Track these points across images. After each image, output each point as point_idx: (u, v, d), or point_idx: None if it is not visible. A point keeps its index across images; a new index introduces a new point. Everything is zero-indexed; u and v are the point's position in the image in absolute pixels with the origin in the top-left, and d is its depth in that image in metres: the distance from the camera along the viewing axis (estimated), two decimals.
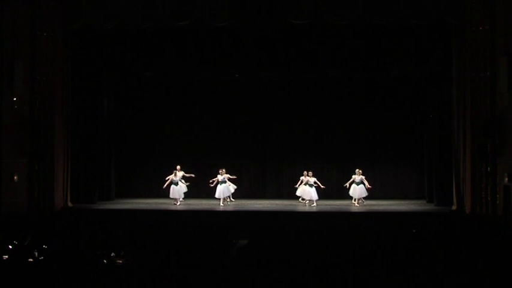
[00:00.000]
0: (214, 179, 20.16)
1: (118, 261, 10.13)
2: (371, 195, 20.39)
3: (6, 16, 17.20)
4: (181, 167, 20.39)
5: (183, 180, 20.27)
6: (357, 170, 20.01)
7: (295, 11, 18.16)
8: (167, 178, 20.05)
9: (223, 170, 20.18)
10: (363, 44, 19.76)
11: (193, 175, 20.46)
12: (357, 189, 19.88)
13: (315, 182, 19.79)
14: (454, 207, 18.78)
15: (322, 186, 19.88)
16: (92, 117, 20.88)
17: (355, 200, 19.96)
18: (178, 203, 20.12)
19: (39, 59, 18.37)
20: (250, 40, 19.87)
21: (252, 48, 19.98)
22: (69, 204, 19.63)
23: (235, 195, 20.88)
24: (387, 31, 19.32)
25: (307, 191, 19.85)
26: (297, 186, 20.07)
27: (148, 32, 19.77)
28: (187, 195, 20.67)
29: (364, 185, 19.83)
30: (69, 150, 19.83)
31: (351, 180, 19.92)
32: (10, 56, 17.30)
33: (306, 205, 19.88)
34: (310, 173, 20.01)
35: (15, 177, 17.46)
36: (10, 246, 10.53)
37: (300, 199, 20.23)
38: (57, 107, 19.02)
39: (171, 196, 20.11)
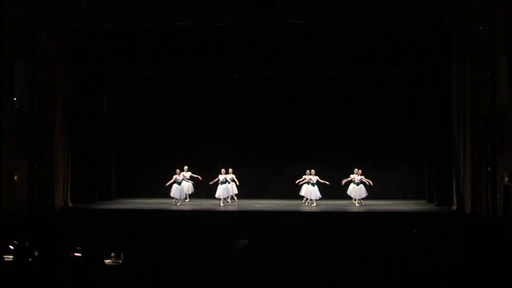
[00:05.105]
0: (215, 180, 20.21)
1: (117, 261, 10.15)
2: (371, 195, 20.37)
3: (6, 16, 17.19)
4: (188, 167, 20.39)
5: (189, 180, 20.27)
6: (356, 169, 19.98)
7: (295, 11, 18.16)
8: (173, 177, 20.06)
9: (224, 170, 20.20)
10: (363, 44, 19.76)
11: (199, 177, 20.39)
12: (356, 190, 19.86)
13: (317, 181, 19.80)
14: (454, 207, 18.78)
15: (327, 183, 19.87)
16: (92, 117, 20.88)
17: (355, 200, 19.96)
18: (179, 203, 20.11)
19: (39, 59, 18.36)
20: (250, 40, 19.86)
21: (252, 48, 19.98)
22: (69, 204, 19.61)
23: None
24: (387, 31, 19.32)
25: (310, 190, 19.84)
26: (298, 183, 20.00)
27: (148, 32, 19.77)
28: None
29: (365, 184, 19.83)
30: (69, 150, 19.80)
31: (349, 179, 19.90)
32: (10, 56, 17.29)
33: (306, 205, 19.87)
34: (313, 171, 19.99)
35: (15, 177, 17.44)
36: (11, 246, 10.53)
37: (304, 199, 20.21)
38: (57, 107, 19.01)
39: (171, 195, 20.10)
